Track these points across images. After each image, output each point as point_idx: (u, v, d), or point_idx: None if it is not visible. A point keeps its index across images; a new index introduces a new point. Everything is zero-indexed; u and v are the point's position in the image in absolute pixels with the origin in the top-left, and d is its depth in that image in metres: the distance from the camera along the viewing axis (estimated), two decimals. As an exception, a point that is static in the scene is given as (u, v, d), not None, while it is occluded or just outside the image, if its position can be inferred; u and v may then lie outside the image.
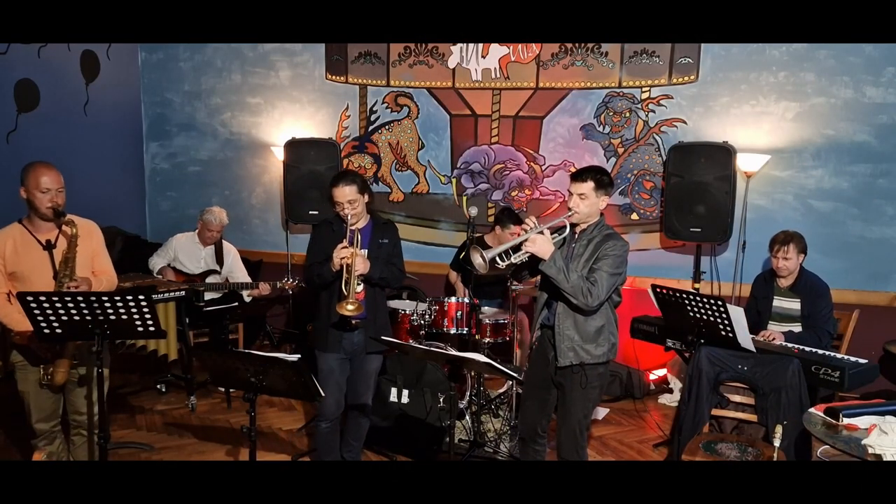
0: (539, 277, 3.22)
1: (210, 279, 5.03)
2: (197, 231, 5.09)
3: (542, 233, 3.00)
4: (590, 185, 3.09)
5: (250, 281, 5.07)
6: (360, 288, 3.25)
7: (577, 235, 3.18)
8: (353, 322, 3.35)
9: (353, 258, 3.18)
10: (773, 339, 3.89)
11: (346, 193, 3.28)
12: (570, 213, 3.11)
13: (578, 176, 3.13)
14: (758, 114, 5.12)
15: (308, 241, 3.57)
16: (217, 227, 5.03)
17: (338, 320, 3.33)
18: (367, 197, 3.38)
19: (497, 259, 3.02)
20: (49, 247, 3.12)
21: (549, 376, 3.21)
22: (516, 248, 3.05)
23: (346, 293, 3.16)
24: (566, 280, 2.97)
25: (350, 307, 3.12)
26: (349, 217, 3.27)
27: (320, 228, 3.52)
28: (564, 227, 3.14)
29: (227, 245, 5.18)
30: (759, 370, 3.60)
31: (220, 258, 5.10)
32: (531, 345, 3.47)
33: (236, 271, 5.14)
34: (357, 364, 3.48)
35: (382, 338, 3.13)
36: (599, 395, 3.27)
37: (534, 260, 3.06)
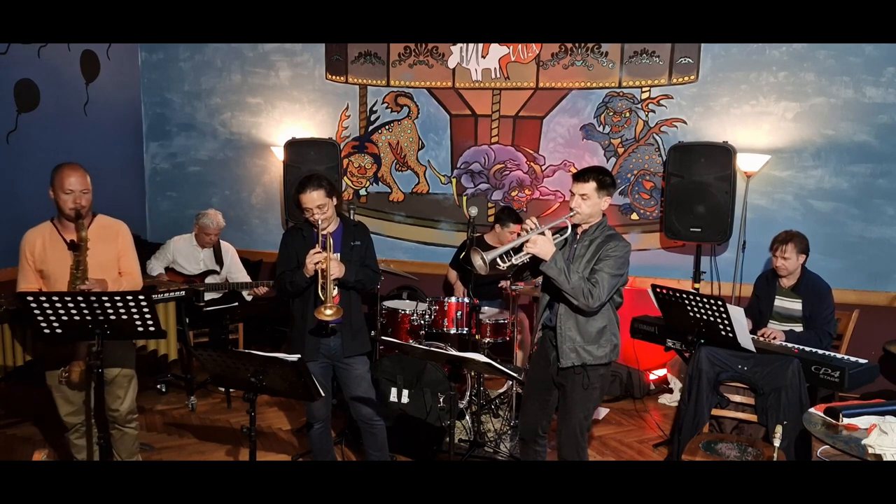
0: (541, 278, 3.22)
1: (210, 279, 5.03)
2: (194, 234, 5.07)
3: (542, 233, 2.98)
4: (592, 185, 3.08)
5: (250, 280, 5.07)
6: (335, 292, 3.18)
7: (578, 236, 3.17)
8: (330, 326, 3.27)
9: (327, 263, 3.11)
10: (774, 337, 3.90)
11: (314, 199, 3.16)
12: (571, 214, 3.10)
13: (580, 176, 3.12)
14: (758, 114, 5.12)
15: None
16: (214, 231, 5.00)
17: (314, 327, 3.27)
18: (335, 200, 3.26)
19: (498, 260, 3.00)
20: (73, 247, 3.12)
21: (551, 377, 3.21)
22: (517, 250, 3.04)
23: (323, 298, 3.11)
24: (567, 281, 2.96)
25: (328, 312, 3.07)
26: (320, 222, 3.18)
27: (290, 235, 3.41)
28: (566, 227, 3.13)
29: (224, 244, 5.17)
30: (759, 370, 3.60)
31: (218, 258, 5.09)
32: (532, 346, 3.47)
33: (236, 270, 5.14)
34: (344, 374, 3.39)
35: (383, 337, 3.12)
36: (601, 396, 3.27)
37: (535, 261, 3.05)
